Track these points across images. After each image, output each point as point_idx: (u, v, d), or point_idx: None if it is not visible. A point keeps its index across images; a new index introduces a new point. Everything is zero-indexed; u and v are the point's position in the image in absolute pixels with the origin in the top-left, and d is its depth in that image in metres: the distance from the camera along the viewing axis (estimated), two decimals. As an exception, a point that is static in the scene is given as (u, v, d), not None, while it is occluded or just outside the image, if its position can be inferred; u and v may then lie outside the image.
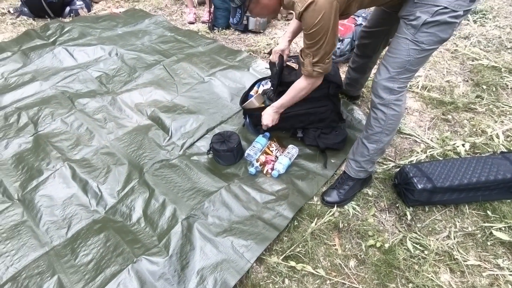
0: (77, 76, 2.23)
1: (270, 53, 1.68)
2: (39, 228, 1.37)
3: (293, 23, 1.55)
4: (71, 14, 3.12)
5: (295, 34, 1.57)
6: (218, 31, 2.86)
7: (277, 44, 1.70)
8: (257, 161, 1.59)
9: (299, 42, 2.58)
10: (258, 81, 1.83)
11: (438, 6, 1.01)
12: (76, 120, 1.88)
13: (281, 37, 1.55)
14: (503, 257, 1.25)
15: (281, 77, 1.57)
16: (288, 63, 1.63)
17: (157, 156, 1.67)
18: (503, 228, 1.32)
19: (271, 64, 1.61)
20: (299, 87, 1.38)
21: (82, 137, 1.79)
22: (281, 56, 1.57)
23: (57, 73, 2.26)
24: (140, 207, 1.43)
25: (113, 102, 2.01)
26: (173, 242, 1.27)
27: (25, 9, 3.10)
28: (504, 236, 1.29)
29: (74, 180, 1.55)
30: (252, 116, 1.72)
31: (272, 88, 1.66)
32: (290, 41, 1.58)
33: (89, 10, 3.24)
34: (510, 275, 1.19)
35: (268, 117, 1.55)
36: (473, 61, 2.31)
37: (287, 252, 1.29)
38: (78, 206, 1.45)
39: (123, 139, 1.77)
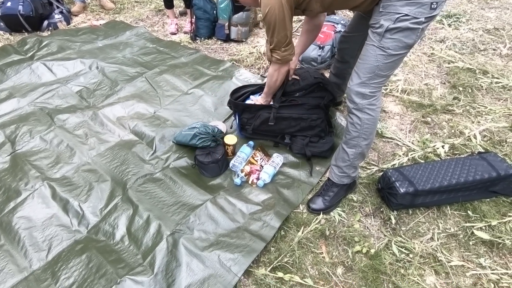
0: (57, 91, 2.18)
1: None
2: (17, 251, 1.32)
3: (301, 37, 1.61)
4: (50, 28, 3.06)
5: (303, 49, 1.65)
6: (201, 41, 2.86)
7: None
8: (242, 171, 1.59)
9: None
10: (245, 88, 1.83)
11: (399, 13, 1.06)
12: (55, 137, 1.83)
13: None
14: (485, 256, 1.28)
15: (286, 87, 1.63)
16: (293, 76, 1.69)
17: (141, 171, 1.64)
18: (484, 228, 1.35)
19: None
20: (269, 73, 1.51)
21: (62, 155, 1.74)
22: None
23: (36, 89, 2.20)
24: (124, 225, 1.40)
25: (94, 117, 1.97)
26: (158, 260, 1.24)
27: (1, 23, 3.02)
28: (484, 235, 1.32)
29: (54, 200, 1.50)
30: (244, 113, 1.71)
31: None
32: (298, 55, 1.64)
33: (68, 23, 3.19)
34: (492, 273, 1.22)
35: (261, 102, 1.69)
36: (449, 63, 2.39)
37: (274, 263, 1.28)
38: (58, 226, 1.40)
39: (106, 154, 1.73)
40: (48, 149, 1.78)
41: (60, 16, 3.13)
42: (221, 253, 1.27)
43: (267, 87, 1.60)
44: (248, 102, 1.75)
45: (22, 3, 2.89)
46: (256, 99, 1.73)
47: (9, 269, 1.26)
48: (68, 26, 3.18)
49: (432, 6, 1.03)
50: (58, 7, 3.18)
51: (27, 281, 1.22)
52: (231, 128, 1.89)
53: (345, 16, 3.00)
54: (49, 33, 2.99)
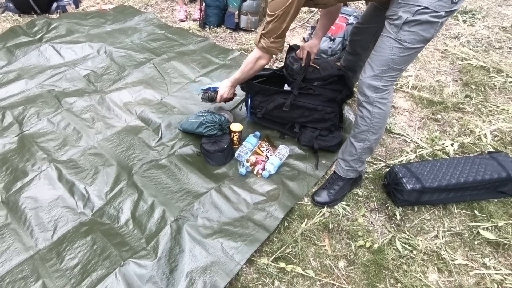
0: (64, 74, 2.18)
1: (292, 47, 1.63)
2: (24, 231, 1.34)
3: (322, 19, 1.54)
4: (59, 10, 3.04)
5: (324, 31, 1.58)
6: (210, 29, 2.83)
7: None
8: (247, 161, 1.58)
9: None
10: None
11: (419, 6, 1.03)
12: (63, 120, 1.84)
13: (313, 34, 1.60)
14: (490, 256, 1.27)
15: (305, 74, 1.56)
16: (312, 63, 1.62)
17: (147, 157, 1.64)
18: (490, 228, 1.34)
19: (293, 59, 1.57)
20: (247, 60, 1.45)
21: (69, 137, 1.74)
22: (309, 53, 1.56)
23: (44, 71, 2.20)
24: (129, 209, 1.41)
25: (101, 101, 1.97)
26: (162, 245, 1.25)
27: (11, 4, 3.01)
28: (490, 236, 1.30)
29: (60, 182, 1.51)
30: (258, 95, 1.66)
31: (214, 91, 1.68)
32: (320, 39, 1.58)
33: (77, 7, 3.17)
34: (496, 274, 1.21)
35: (225, 88, 1.63)
36: (462, 61, 2.34)
37: (277, 253, 1.28)
38: (64, 208, 1.42)
39: (112, 139, 1.73)
40: (55, 131, 1.78)
41: (69, -2, 3.11)
42: (224, 241, 1.28)
43: (239, 73, 1.53)
44: (208, 87, 1.70)
45: (31, -16, 2.88)
46: (221, 84, 1.65)
47: (15, 247, 1.28)
48: (77, 9, 3.16)
49: (453, 0, 1.00)
50: (67, -10, 3.15)
51: (32, 260, 1.24)
52: (240, 109, 1.87)
53: (357, 8, 2.93)
54: (58, 15, 2.98)
